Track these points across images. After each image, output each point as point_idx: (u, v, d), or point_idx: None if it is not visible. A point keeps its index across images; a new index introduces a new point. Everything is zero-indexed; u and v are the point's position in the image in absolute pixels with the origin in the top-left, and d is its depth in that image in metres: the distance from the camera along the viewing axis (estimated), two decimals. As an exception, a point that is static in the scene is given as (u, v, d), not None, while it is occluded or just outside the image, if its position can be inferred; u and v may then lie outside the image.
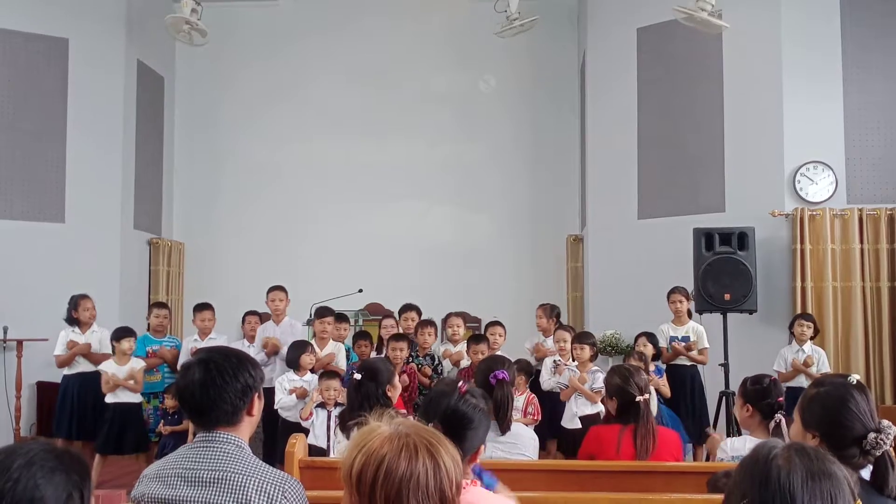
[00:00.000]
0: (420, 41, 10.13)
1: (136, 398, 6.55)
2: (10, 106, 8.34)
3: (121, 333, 6.66)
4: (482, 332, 6.94)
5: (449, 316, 7.20)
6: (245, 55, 10.29)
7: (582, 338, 6.37)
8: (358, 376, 4.11)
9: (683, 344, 6.84)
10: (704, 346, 6.81)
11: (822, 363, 6.73)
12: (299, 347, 6.33)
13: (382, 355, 6.57)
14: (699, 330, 6.84)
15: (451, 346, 6.96)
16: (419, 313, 7.33)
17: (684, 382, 6.71)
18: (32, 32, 8.45)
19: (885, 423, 2.22)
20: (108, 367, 6.56)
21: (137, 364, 6.59)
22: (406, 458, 1.46)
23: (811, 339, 6.84)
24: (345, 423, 4.02)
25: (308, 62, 10.22)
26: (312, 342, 6.69)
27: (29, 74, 8.47)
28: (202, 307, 7.20)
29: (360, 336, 7.01)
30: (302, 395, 6.06)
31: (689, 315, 6.96)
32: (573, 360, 6.33)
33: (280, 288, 7.22)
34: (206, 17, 8.29)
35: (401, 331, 6.99)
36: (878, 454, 2.15)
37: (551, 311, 7.30)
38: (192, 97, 10.39)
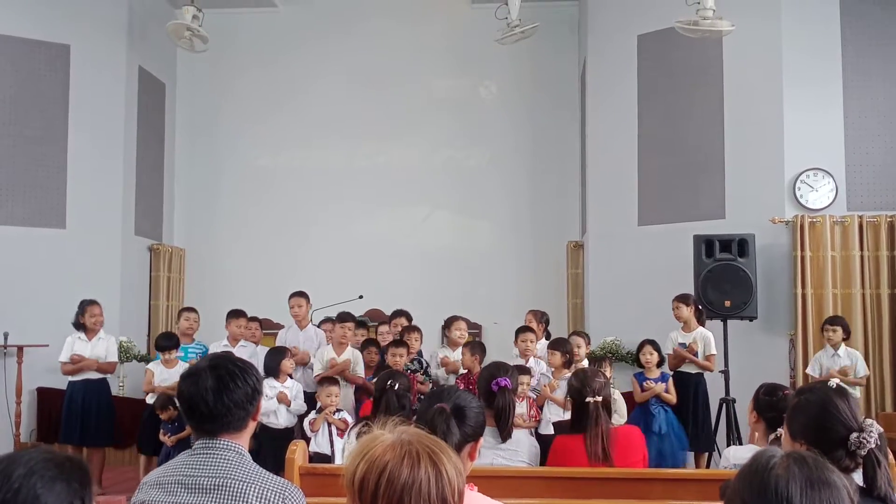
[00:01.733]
0: (420, 47, 10.14)
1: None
2: (11, 112, 8.35)
3: (164, 344, 6.73)
4: (514, 339, 6.71)
5: (455, 319, 7.02)
6: (246, 61, 10.31)
7: (555, 344, 6.29)
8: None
9: (684, 348, 6.74)
10: (711, 353, 6.64)
11: (860, 367, 6.58)
12: (278, 353, 6.30)
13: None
14: (705, 335, 6.70)
15: (449, 351, 6.89)
16: (409, 319, 7.30)
17: (688, 389, 6.64)
18: (34, 39, 8.46)
19: (868, 421, 2.21)
20: (155, 368, 6.67)
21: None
22: (408, 466, 1.46)
23: (844, 341, 6.66)
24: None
25: (309, 68, 10.23)
26: (329, 346, 6.69)
27: (30, 80, 8.48)
28: (237, 314, 7.11)
29: (369, 343, 6.97)
30: (284, 399, 6.06)
31: (702, 321, 6.80)
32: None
33: (298, 294, 7.19)
34: (208, 23, 8.31)
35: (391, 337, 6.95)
36: (863, 454, 2.15)
37: (541, 316, 7.17)
38: (194, 103, 10.40)
